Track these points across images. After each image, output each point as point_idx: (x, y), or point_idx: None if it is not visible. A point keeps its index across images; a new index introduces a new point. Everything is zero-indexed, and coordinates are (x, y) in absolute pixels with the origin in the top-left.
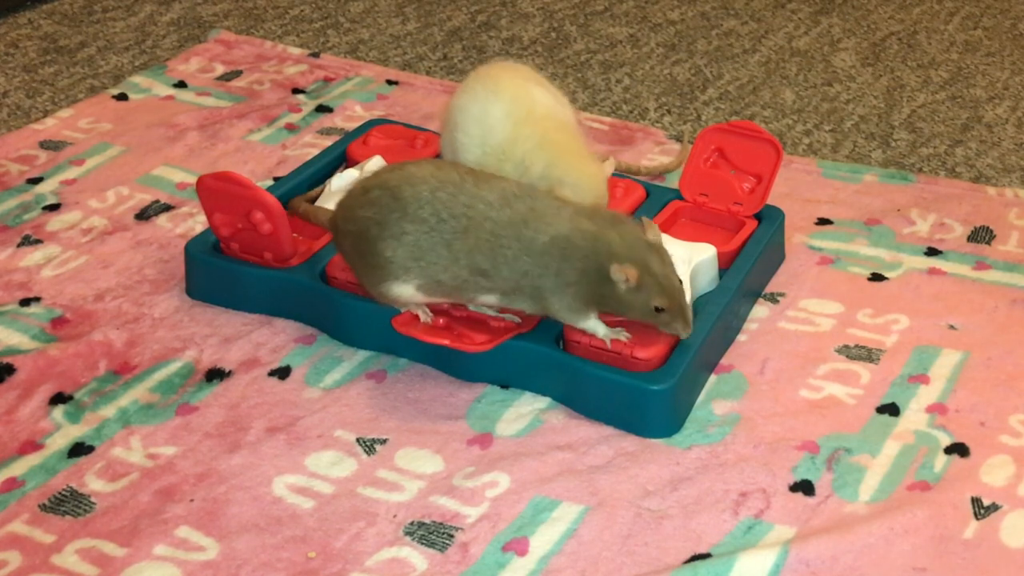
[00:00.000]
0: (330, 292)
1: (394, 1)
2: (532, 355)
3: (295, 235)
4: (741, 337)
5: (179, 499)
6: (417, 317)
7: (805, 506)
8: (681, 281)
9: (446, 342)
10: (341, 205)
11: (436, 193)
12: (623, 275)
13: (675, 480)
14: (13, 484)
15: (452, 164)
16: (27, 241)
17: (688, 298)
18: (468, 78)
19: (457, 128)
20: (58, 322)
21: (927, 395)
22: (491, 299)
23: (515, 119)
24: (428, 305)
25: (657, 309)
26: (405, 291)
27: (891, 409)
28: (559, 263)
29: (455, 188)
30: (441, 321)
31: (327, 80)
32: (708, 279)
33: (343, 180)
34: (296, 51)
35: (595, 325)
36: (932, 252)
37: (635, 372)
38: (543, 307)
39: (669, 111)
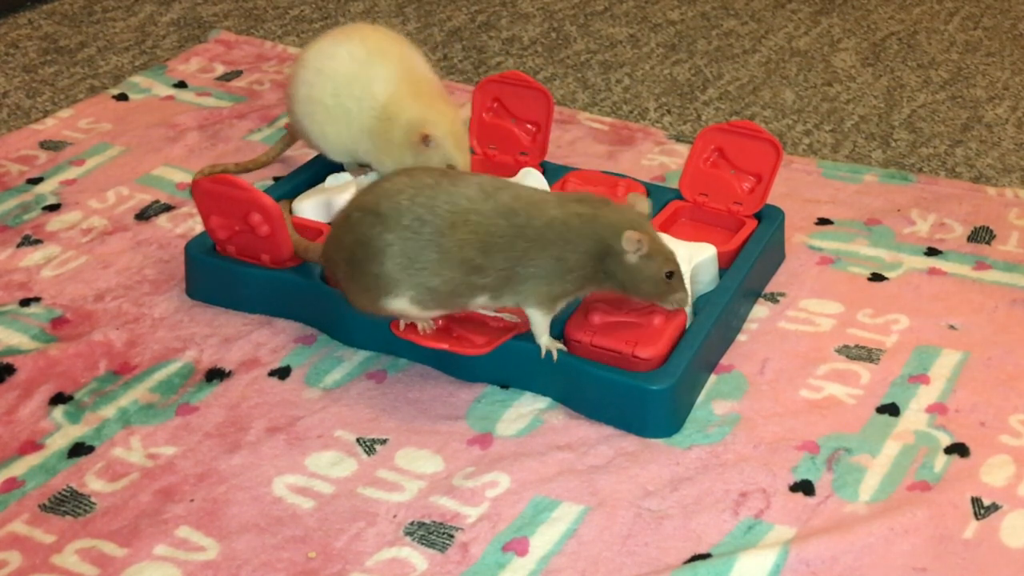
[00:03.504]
0: (330, 292)
1: (394, 1)
2: (532, 355)
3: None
4: (741, 337)
5: (179, 499)
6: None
7: (805, 506)
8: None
9: (445, 346)
10: (328, 237)
11: (415, 199)
12: (637, 242)
13: (675, 480)
14: (13, 484)
15: (424, 170)
16: (27, 241)
17: (689, 298)
18: (315, 50)
19: (343, 95)
20: (58, 322)
21: (927, 395)
22: (483, 299)
23: (396, 79)
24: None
25: (667, 275)
26: (400, 305)
27: (891, 409)
28: (560, 247)
29: (432, 190)
30: (440, 322)
31: None
32: (708, 279)
33: (339, 180)
34: (296, 51)
35: (546, 328)
36: (932, 252)
37: (635, 372)
38: (523, 297)
39: (669, 111)
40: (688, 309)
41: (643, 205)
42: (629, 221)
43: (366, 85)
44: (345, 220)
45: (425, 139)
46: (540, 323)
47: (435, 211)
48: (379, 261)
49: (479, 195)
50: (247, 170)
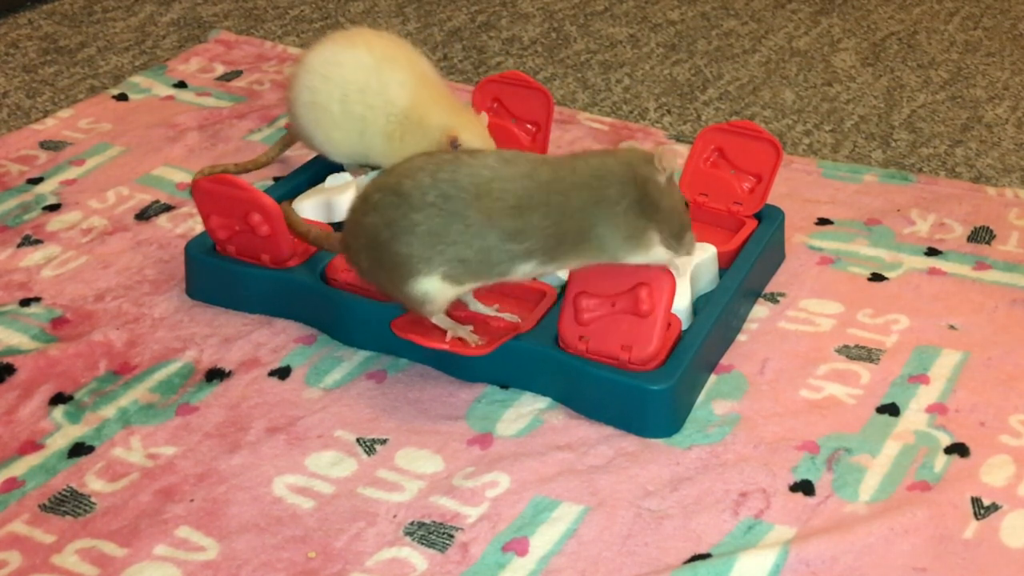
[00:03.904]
0: (330, 292)
1: (394, 1)
2: (532, 355)
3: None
4: (741, 337)
5: (179, 499)
6: (422, 322)
7: (805, 506)
8: None
9: (446, 346)
10: (347, 221)
11: (437, 175)
12: (665, 159)
13: (675, 480)
14: (13, 484)
15: (441, 151)
16: (27, 241)
17: (690, 298)
18: (318, 57)
19: (353, 104)
20: (58, 322)
21: (927, 395)
22: (529, 266)
23: (412, 84)
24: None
25: (686, 204)
26: (432, 285)
27: (891, 409)
28: (599, 189)
29: (453, 164)
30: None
31: None
32: (708, 279)
33: (338, 180)
34: (296, 51)
35: (659, 252)
36: (932, 252)
37: (635, 372)
38: (597, 248)
39: (669, 111)
40: (687, 311)
41: (639, 148)
42: (644, 151)
43: (380, 91)
44: (364, 203)
45: (453, 142)
46: (648, 258)
47: (458, 184)
48: (407, 242)
49: (499, 163)
50: (247, 170)
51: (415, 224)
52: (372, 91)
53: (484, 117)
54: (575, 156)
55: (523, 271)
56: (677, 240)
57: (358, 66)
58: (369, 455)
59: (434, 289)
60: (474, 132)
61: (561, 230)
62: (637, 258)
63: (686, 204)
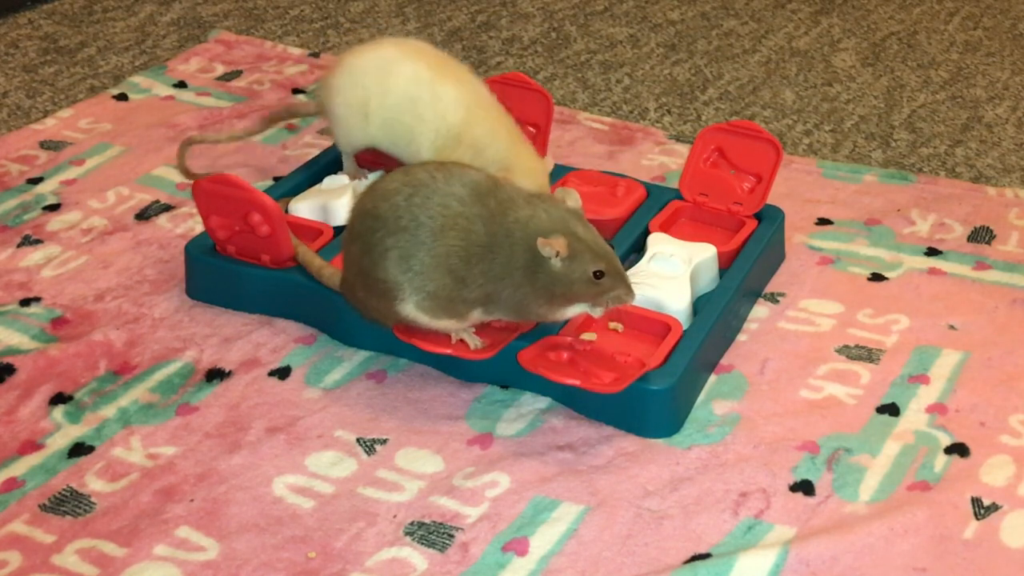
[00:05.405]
0: (330, 292)
1: (394, 1)
2: None
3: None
4: (741, 337)
5: (179, 499)
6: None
7: (805, 506)
8: (612, 245)
9: (448, 351)
10: (343, 253)
11: (411, 199)
12: (551, 248)
13: (675, 480)
14: (13, 484)
15: (420, 166)
16: (27, 241)
17: (690, 298)
18: (376, 59)
19: (402, 112)
20: (58, 322)
21: (927, 395)
22: (478, 313)
23: (467, 103)
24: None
25: (596, 275)
26: (409, 311)
27: (891, 409)
28: (521, 256)
29: (428, 189)
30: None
31: None
32: (708, 279)
33: (335, 182)
34: (296, 51)
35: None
36: (932, 252)
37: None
38: (525, 314)
39: (669, 111)
40: (687, 311)
41: (573, 199)
42: (552, 221)
43: (432, 104)
44: (349, 232)
45: None
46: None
47: (429, 212)
48: (383, 267)
49: (471, 197)
50: (237, 139)
51: (388, 249)
52: (424, 103)
53: (549, 161)
54: (527, 201)
55: (474, 318)
56: (608, 296)
57: (415, 78)
58: (369, 455)
59: (413, 317)
60: (532, 179)
61: (494, 289)
62: (566, 315)
63: (597, 273)
